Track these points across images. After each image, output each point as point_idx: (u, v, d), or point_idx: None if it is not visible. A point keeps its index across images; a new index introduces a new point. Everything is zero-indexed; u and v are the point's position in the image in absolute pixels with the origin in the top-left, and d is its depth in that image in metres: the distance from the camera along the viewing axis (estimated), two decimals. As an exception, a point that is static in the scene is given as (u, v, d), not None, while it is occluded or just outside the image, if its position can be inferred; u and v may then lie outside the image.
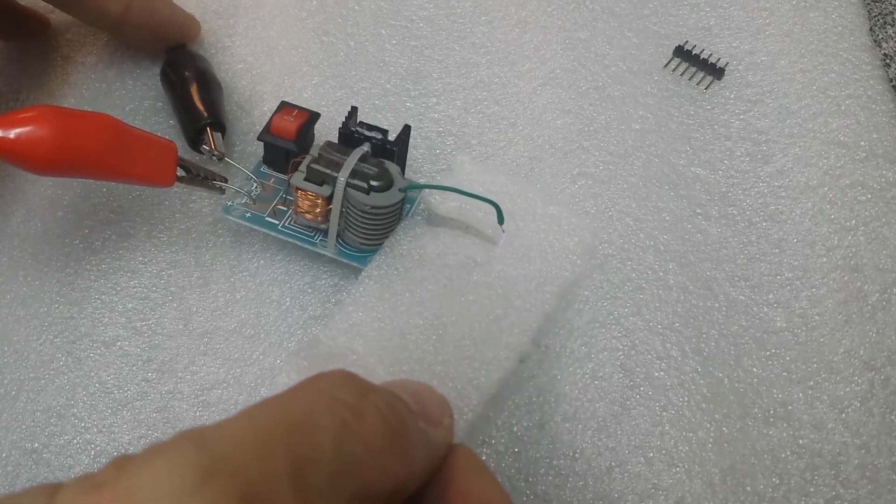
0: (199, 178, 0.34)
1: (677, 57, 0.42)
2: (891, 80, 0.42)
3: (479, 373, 0.30)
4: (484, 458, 0.31)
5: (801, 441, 0.32)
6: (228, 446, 0.16)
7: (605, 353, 0.34)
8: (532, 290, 0.32)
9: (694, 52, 0.41)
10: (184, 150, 0.36)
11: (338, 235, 0.33)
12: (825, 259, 0.36)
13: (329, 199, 0.32)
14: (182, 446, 0.16)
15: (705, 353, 0.34)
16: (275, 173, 0.36)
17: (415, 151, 0.38)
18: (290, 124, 0.34)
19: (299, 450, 0.17)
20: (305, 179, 0.32)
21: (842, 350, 0.34)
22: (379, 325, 0.31)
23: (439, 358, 0.30)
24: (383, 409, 0.20)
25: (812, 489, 0.31)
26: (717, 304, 0.35)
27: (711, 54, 0.42)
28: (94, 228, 0.36)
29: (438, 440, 0.22)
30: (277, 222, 0.34)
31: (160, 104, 0.40)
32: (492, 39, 0.43)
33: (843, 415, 0.32)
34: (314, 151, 0.33)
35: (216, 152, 0.36)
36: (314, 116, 0.35)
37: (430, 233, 0.34)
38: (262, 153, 0.36)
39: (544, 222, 0.34)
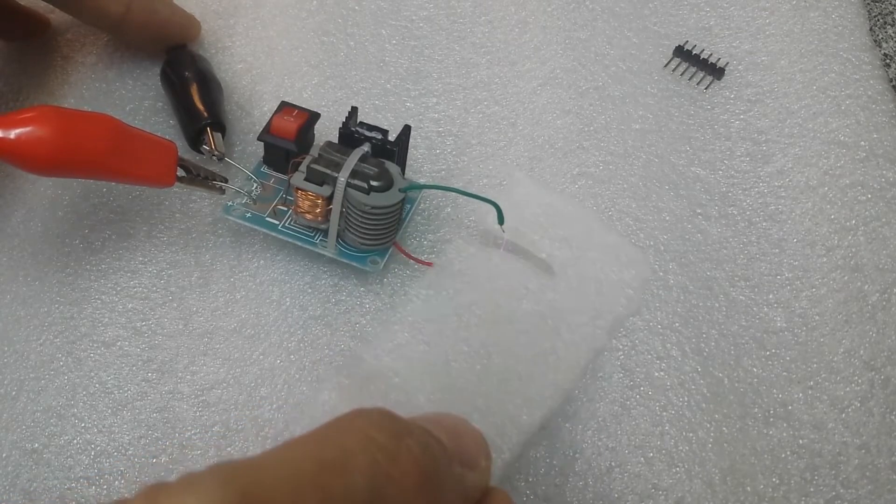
0: (200, 178, 0.34)
1: (677, 57, 0.42)
2: (891, 80, 0.42)
3: (522, 410, 0.29)
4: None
5: (801, 441, 0.32)
6: (260, 482, 0.17)
7: (605, 353, 0.33)
8: (584, 324, 0.31)
9: (694, 52, 0.41)
10: (184, 150, 0.36)
11: (338, 235, 0.33)
12: (825, 259, 0.36)
13: (329, 199, 0.32)
14: (214, 481, 0.16)
15: (705, 353, 0.34)
16: (275, 173, 0.36)
17: (415, 151, 0.38)
18: (290, 124, 0.34)
19: (330, 490, 0.17)
20: (305, 179, 0.32)
21: (842, 350, 0.34)
22: (424, 348, 0.31)
23: (482, 390, 0.29)
24: (417, 453, 0.19)
25: (812, 489, 0.31)
26: (717, 304, 0.35)
27: (711, 54, 0.42)
28: (94, 228, 0.36)
29: (473, 484, 0.22)
30: (277, 222, 0.34)
31: (160, 104, 0.40)
32: (492, 39, 0.43)
33: (843, 415, 0.32)
34: (314, 151, 0.33)
35: (216, 152, 0.36)
36: (314, 116, 0.35)
37: (482, 254, 0.33)
38: (262, 153, 0.36)
39: (602, 252, 0.33)
